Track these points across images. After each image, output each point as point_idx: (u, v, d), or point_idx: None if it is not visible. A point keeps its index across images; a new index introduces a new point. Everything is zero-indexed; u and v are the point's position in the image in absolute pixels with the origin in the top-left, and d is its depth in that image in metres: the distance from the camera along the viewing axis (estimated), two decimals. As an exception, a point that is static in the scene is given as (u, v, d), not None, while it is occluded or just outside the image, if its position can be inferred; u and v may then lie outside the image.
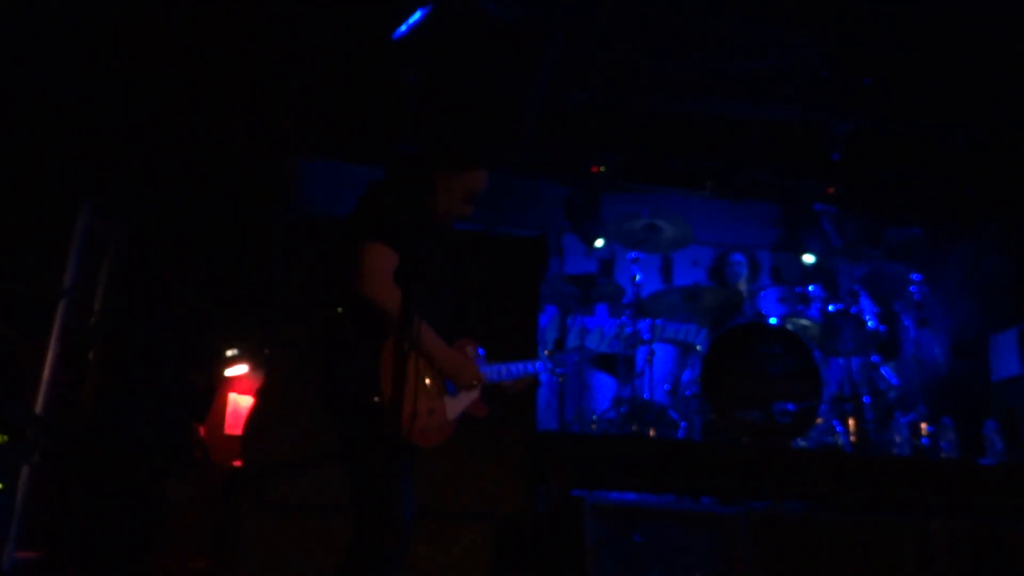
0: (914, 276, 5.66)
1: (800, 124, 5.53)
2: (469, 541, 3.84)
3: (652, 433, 4.94)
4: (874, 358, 5.52)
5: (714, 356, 4.91)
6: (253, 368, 5.22)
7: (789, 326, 5.32)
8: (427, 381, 2.77)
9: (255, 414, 4.51)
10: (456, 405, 2.86)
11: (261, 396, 4.70)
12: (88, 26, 4.17)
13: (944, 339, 6.22)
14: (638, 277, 5.50)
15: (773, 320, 5.30)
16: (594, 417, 5.46)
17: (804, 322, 5.43)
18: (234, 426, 5.11)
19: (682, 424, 5.11)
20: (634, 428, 4.98)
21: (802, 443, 4.94)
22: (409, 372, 2.32)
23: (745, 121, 5.54)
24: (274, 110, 5.16)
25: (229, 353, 5.33)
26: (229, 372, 5.48)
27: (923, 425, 5.02)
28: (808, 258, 6.22)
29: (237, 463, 4.62)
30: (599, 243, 6.29)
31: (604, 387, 6.08)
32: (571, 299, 5.68)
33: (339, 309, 2.70)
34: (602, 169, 6.16)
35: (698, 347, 5.57)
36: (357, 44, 4.74)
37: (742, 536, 3.83)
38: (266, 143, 5.26)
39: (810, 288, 5.53)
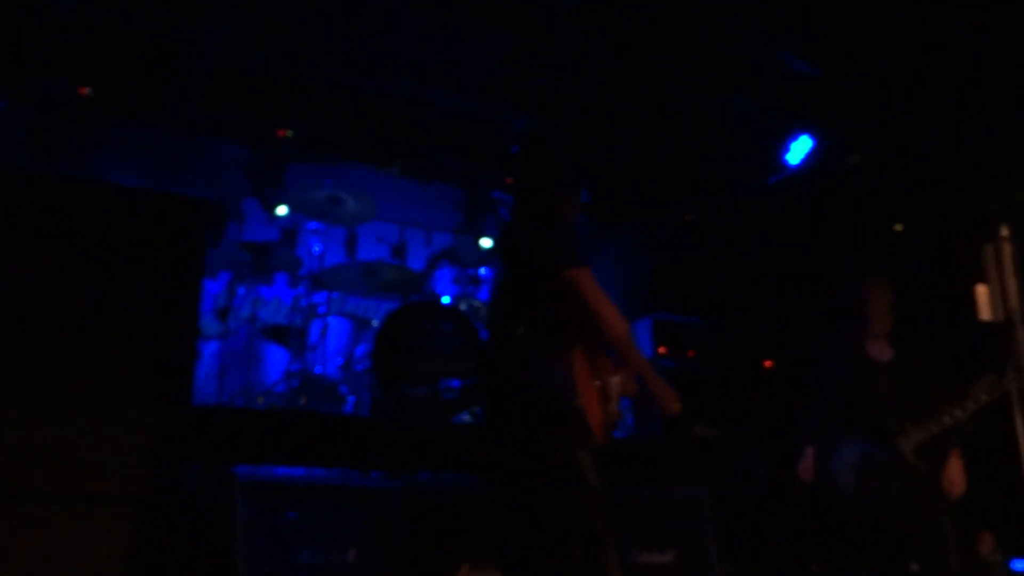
0: (574, 266, 6.17)
1: (484, 116, 5.76)
2: (95, 527, 3.46)
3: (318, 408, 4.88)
4: (536, 340, 5.94)
5: (386, 332, 4.97)
6: None
7: (462, 306, 5.56)
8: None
9: None
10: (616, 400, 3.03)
11: None
12: None
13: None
14: (316, 248, 5.39)
15: (446, 299, 5.49)
16: (262, 390, 5.26)
17: (475, 303, 5.70)
18: None
19: (351, 399, 5.11)
20: (303, 402, 4.88)
21: (466, 418, 5.19)
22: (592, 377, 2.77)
23: (434, 106, 5.65)
24: None
25: None
26: None
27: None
28: (486, 242, 6.53)
29: None
30: (282, 211, 6.03)
31: (277, 359, 5.88)
32: (245, 267, 5.42)
33: (520, 330, 2.86)
34: (289, 134, 5.93)
35: (374, 322, 5.61)
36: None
37: (395, 510, 3.91)
38: None
39: (482, 271, 5.82)
